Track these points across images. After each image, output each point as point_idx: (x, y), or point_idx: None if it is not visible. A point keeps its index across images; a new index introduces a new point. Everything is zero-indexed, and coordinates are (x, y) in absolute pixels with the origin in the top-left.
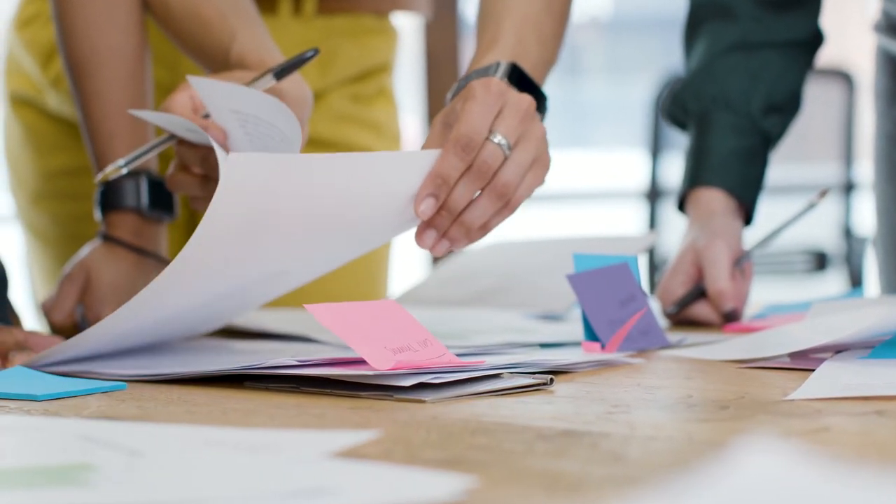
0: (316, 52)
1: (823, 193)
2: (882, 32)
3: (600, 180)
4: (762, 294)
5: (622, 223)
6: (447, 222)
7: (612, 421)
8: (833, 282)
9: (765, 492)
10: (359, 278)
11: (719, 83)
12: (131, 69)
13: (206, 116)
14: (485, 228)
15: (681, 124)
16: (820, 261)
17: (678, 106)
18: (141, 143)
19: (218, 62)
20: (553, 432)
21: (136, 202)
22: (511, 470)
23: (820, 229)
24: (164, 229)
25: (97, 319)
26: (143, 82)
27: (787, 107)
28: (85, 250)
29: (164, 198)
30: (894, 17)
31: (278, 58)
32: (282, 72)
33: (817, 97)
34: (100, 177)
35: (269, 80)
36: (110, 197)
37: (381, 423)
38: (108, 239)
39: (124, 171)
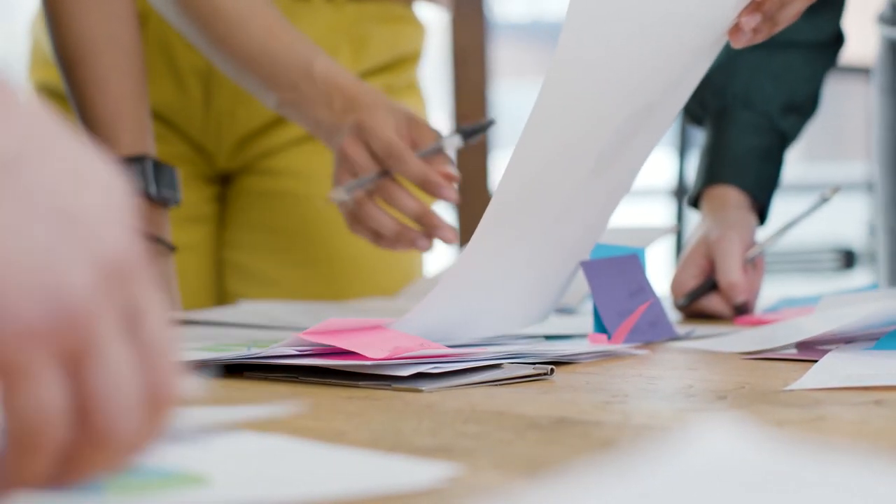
0: (492, 122)
1: (835, 190)
2: (889, 24)
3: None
4: (790, 292)
5: (651, 220)
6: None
7: (608, 410)
8: (861, 280)
9: (711, 472)
10: (395, 257)
11: (741, 81)
12: (130, 56)
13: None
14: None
15: (698, 120)
16: (848, 259)
17: (696, 101)
18: (142, 127)
19: (286, 88)
20: (546, 421)
21: (144, 186)
22: (497, 457)
23: (848, 227)
24: (167, 214)
25: None
26: (141, 69)
27: (805, 108)
28: None
29: (168, 182)
30: None
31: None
32: (469, 134)
33: (846, 96)
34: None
35: (457, 141)
36: None
37: (376, 412)
38: None
39: (346, 197)
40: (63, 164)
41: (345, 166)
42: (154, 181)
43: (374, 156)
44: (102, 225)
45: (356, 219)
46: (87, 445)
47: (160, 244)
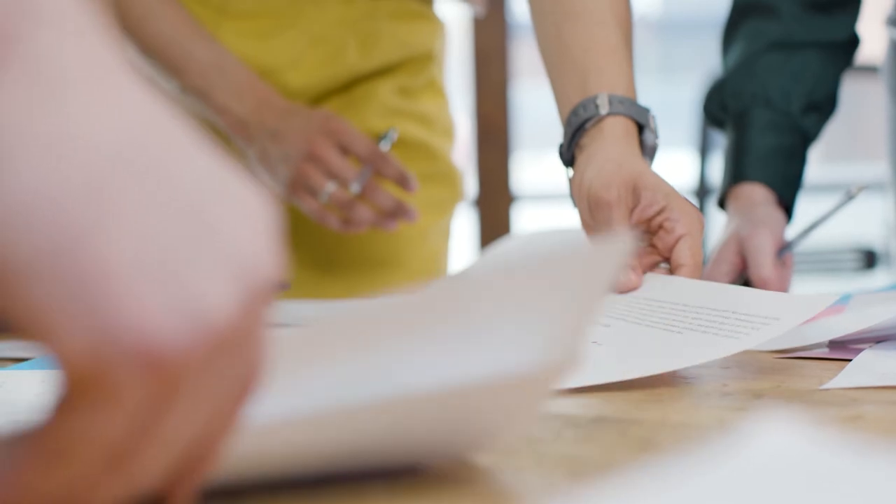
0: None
1: (861, 188)
2: None
3: None
4: (810, 292)
5: None
6: None
7: (644, 409)
8: (882, 280)
9: (774, 470)
10: (416, 258)
11: (760, 81)
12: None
13: None
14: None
15: (719, 123)
16: (869, 259)
17: (717, 103)
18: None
19: (194, 75)
20: (583, 420)
21: None
22: (537, 456)
23: (869, 227)
24: None
25: None
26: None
27: (825, 107)
28: None
29: None
30: None
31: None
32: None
33: (865, 95)
34: None
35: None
36: None
37: None
38: None
39: (358, 190)
40: (200, 173)
41: (317, 167)
42: None
43: (347, 155)
44: (243, 242)
45: (325, 212)
46: (107, 483)
47: None
